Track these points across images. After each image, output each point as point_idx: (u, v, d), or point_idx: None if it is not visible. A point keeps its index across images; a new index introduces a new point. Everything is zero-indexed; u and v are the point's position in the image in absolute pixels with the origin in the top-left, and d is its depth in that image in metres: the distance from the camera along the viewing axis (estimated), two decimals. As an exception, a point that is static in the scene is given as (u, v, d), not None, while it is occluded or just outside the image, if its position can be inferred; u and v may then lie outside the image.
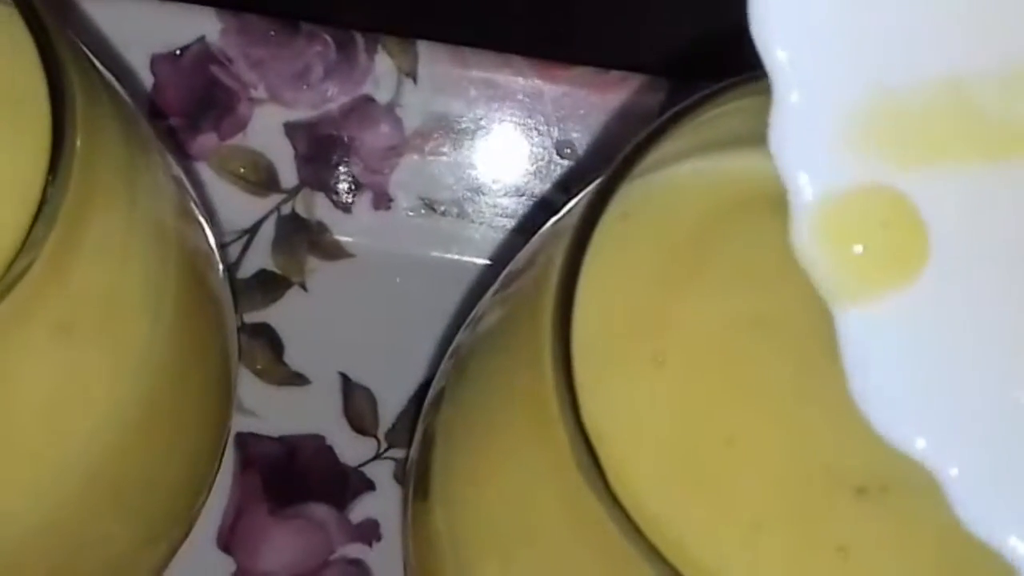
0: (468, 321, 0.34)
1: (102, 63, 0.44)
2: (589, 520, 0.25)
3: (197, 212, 0.34)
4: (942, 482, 0.24)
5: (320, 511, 0.43)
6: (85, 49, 0.31)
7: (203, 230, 0.34)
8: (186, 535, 0.36)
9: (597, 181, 0.29)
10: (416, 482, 0.33)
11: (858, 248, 0.23)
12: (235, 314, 0.38)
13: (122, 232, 0.30)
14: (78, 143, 0.27)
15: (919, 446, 0.24)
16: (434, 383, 0.35)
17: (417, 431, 0.35)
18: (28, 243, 0.26)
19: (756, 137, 0.30)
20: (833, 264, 0.23)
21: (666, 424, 0.28)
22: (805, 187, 0.23)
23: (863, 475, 0.29)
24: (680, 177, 0.31)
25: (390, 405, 0.44)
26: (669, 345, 0.29)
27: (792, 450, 0.29)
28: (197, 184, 0.45)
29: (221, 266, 0.36)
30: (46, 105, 0.28)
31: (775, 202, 0.29)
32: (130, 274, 0.30)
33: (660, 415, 0.29)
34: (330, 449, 0.44)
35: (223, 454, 0.37)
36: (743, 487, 0.28)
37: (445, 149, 0.46)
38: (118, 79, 0.43)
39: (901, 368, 0.24)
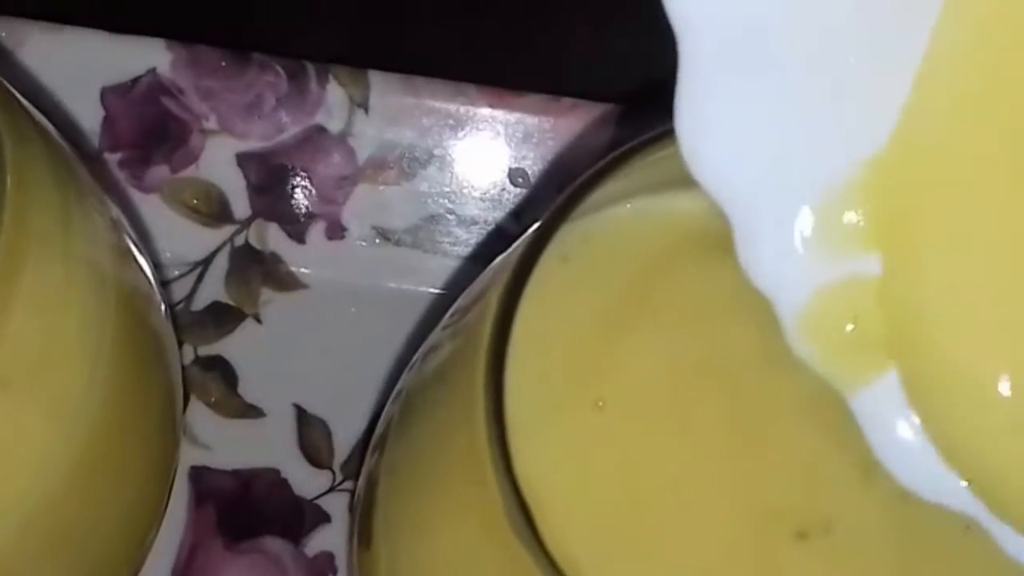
0: (412, 363, 0.34)
1: (51, 96, 0.44)
2: None
3: (136, 252, 0.34)
4: (995, 531, 0.24)
5: (275, 545, 0.43)
6: (14, 91, 0.31)
7: (143, 271, 0.34)
8: (133, 580, 0.35)
9: (531, 228, 0.29)
10: (360, 528, 0.33)
11: (847, 338, 0.24)
12: (179, 353, 0.38)
13: (58, 281, 0.29)
14: (8, 190, 0.27)
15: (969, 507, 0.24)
16: (378, 426, 0.34)
17: (361, 475, 0.34)
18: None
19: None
20: (830, 358, 0.24)
21: (607, 472, 0.28)
22: (786, 300, 0.23)
23: (804, 518, 0.29)
24: (621, 218, 0.31)
25: (345, 437, 0.44)
26: (610, 390, 0.29)
27: (735, 496, 0.29)
28: (148, 217, 0.44)
29: (163, 305, 0.35)
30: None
31: (719, 242, 0.29)
32: (67, 324, 0.29)
33: (600, 463, 0.28)
34: (285, 482, 0.44)
35: (168, 498, 0.37)
36: (686, 536, 0.28)
37: (398, 178, 0.45)
38: (65, 114, 0.43)
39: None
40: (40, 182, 0.29)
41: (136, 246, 0.34)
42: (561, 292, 0.29)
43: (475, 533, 0.27)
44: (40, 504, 0.29)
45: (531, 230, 0.29)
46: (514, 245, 0.32)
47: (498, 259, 0.34)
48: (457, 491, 0.28)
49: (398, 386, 0.34)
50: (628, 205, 0.31)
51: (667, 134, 0.29)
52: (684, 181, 0.30)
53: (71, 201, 0.30)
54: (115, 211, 0.33)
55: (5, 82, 0.30)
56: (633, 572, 0.27)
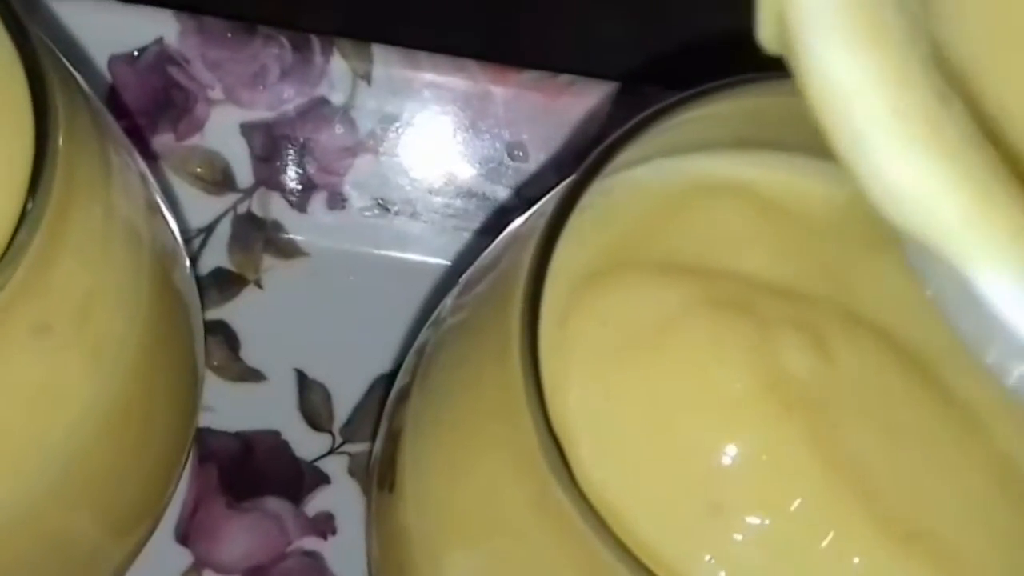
0: (432, 319, 0.35)
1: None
2: (555, 511, 0.26)
3: (164, 209, 0.35)
4: None
5: (276, 505, 0.44)
6: (56, 51, 0.32)
7: (170, 227, 0.35)
8: (154, 528, 0.36)
9: (562, 184, 0.30)
10: (381, 476, 0.34)
11: None
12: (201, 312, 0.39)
13: (100, 231, 0.30)
14: (60, 145, 0.28)
15: None
16: (398, 380, 0.35)
17: (381, 426, 0.36)
18: (12, 249, 0.26)
19: (713, 143, 0.32)
20: None
21: (626, 413, 0.29)
22: None
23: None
24: (637, 176, 0.32)
25: (345, 401, 0.45)
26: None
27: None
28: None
29: (188, 261, 0.36)
30: (27, 108, 0.28)
31: (730, 192, 0.30)
32: (108, 273, 0.30)
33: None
34: (286, 444, 0.45)
35: (190, 448, 0.38)
36: (710, 468, 0.29)
37: (398, 150, 0.47)
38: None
39: None
40: (84, 134, 0.30)
41: (163, 202, 0.35)
42: (576, 236, 0.30)
43: (505, 469, 0.28)
44: (79, 450, 0.30)
45: (555, 191, 0.31)
46: (532, 210, 0.34)
47: (511, 227, 0.35)
48: (488, 429, 0.29)
49: (419, 341, 0.35)
50: (645, 166, 0.32)
51: (683, 102, 0.31)
52: (703, 146, 0.32)
53: (110, 154, 0.31)
54: (143, 167, 0.34)
55: (47, 40, 0.31)
56: (651, 505, 0.29)
